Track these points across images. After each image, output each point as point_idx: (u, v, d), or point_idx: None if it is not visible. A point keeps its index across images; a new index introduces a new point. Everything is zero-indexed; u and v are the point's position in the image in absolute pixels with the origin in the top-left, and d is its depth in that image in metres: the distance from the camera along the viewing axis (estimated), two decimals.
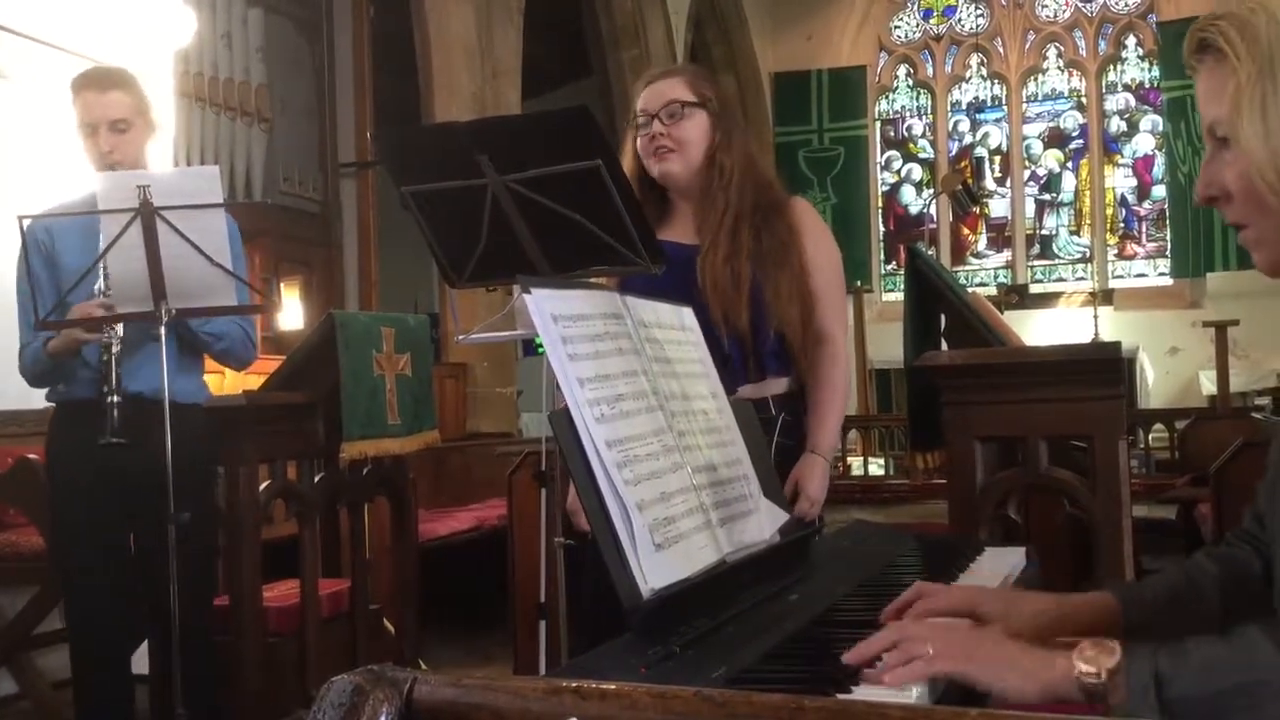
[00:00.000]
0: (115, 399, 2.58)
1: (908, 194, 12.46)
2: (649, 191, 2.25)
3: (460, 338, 2.47)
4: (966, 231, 12.28)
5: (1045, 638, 1.15)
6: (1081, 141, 11.94)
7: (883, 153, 12.51)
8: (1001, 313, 4.58)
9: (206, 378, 3.06)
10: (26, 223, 2.67)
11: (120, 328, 2.65)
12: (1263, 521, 1.22)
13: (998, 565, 1.60)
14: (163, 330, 2.59)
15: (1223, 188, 1.11)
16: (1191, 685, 0.96)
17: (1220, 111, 1.08)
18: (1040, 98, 12.14)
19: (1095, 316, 10.16)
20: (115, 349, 2.63)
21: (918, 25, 12.49)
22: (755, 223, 2.20)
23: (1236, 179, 1.09)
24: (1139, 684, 0.97)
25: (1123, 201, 11.79)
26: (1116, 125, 11.85)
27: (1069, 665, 1.01)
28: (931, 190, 12.04)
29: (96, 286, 2.63)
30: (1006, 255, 12.13)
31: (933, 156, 12.32)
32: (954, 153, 12.31)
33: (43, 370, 2.79)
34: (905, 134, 12.51)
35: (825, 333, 2.25)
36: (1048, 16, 12.07)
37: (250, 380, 3.87)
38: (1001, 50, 12.21)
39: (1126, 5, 11.76)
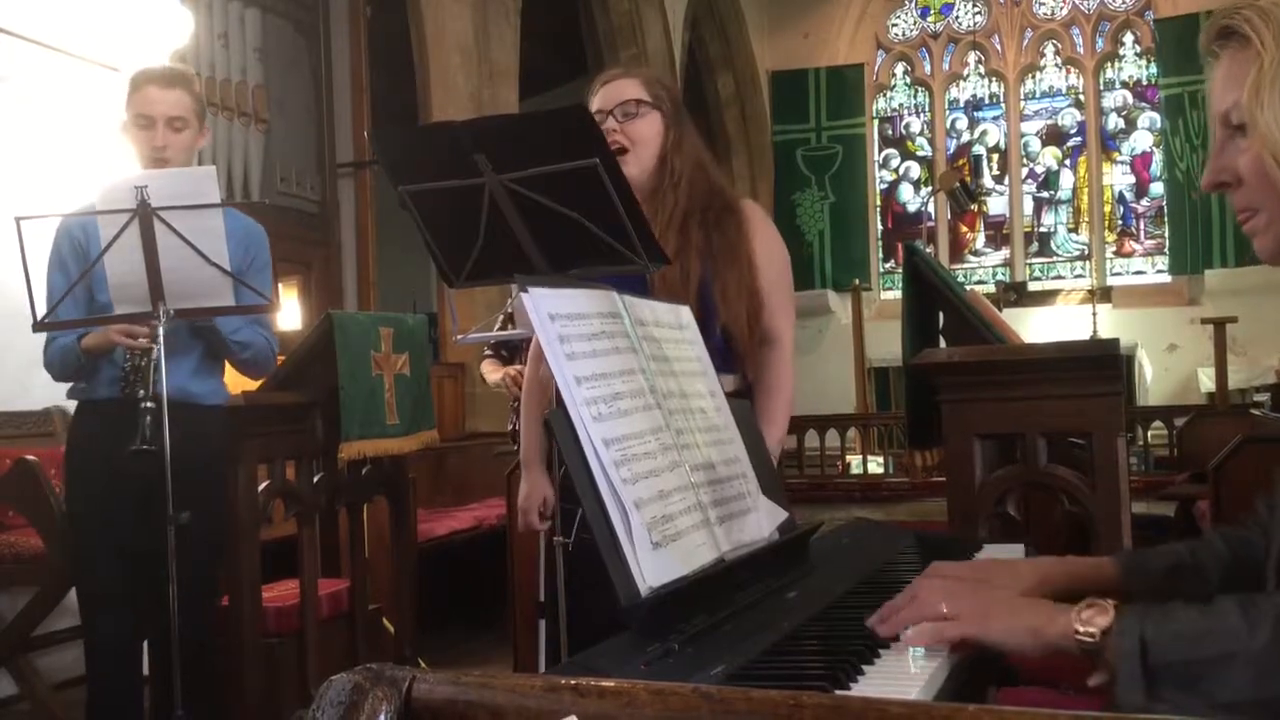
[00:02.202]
0: (149, 404, 2.57)
1: (906, 192, 12.47)
2: None
3: (459, 337, 2.46)
4: (965, 229, 12.28)
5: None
6: (1079, 139, 11.95)
7: (881, 151, 12.52)
8: (1000, 310, 4.58)
9: None
10: (38, 223, 2.67)
11: (161, 336, 2.64)
12: (1273, 508, 1.24)
13: None
14: (161, 332, 2.59)
15: (1234, 173, 1.12)
16: (1172, 652, 1.02)
17: (1238, 97, 1.09)
18: (1038, 95, 12.15)
19: (1094, 314, 10.17)
20: (155, 354, 2.62)
21: (915, 23, 12.49)
22: (705, 221, 2.22)
23: (1250, 164, 1.10)
24: (1127, 647, 1.03)
25: (1121, 199, 11.80)
26: (1114, 122, 11.85)
27: (1068, 623, 1.09)
28: (930, 188, 12.05)
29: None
30: (1005, 253, 12.14)
31: (931, 154, 12.33)
32: (952, 150, 12.32)
33: (73, 366, 2.79)
34: (903, 132, 12.52)
35: (773, 332, 2.28)
36: (1045, 14, 12.08)
37: (249, 381, 3.87)
38: (999, 48, 12.22)
39: (1124, 2, 11.77)
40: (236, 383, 3.97)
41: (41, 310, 2.66)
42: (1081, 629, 1.07)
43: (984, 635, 1.13)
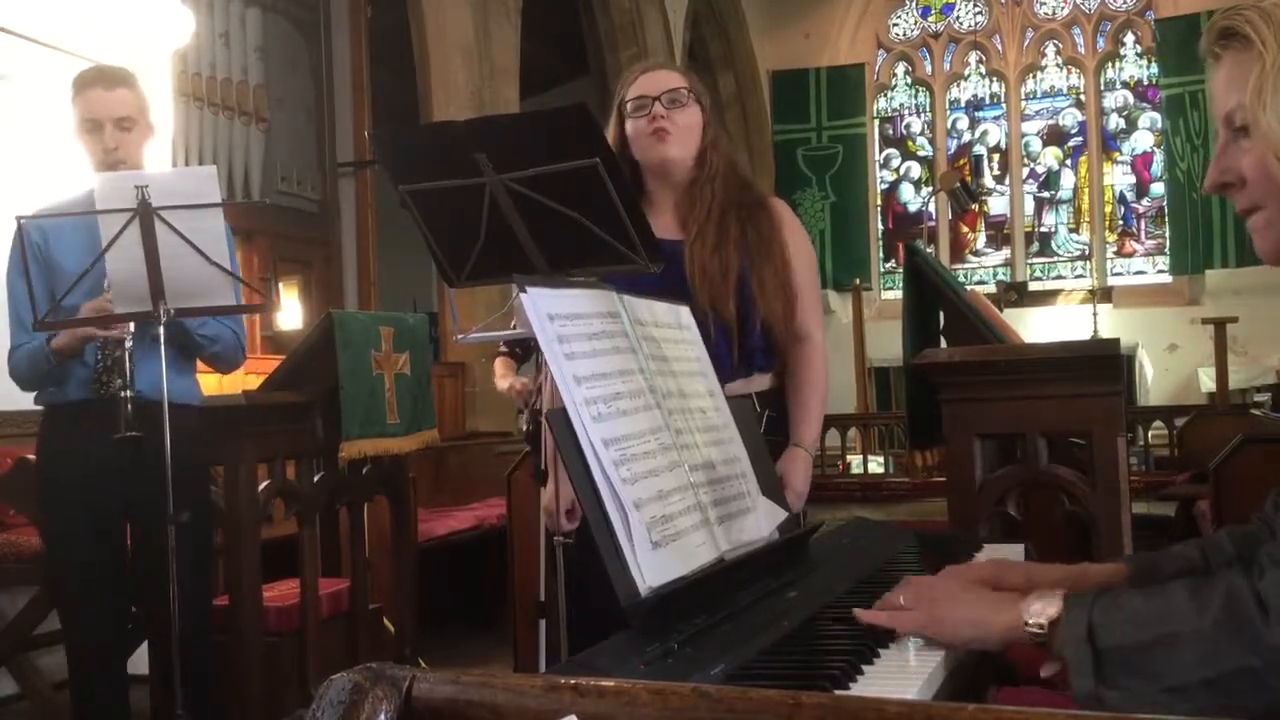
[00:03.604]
0: (128, 393, 2.58)
1: (906, 192, 12.46)
2: None
3: (459, 337, 2.46)
4: (965, 229, 12.28)
5: None
6: (1080, 139, 11.94)
7: (881, 151, 12.50)
8: (1000, 310, 4.58)
9: (203, 378, 3.06)
10: (22, 223, 2.66)
11: (132, 325, 2.64)
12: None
13: None
14: (161, 330, 2.59)
15: (1237, 174, 1.13)
16: (1120, 636, 1.03)
17: (1240, 98, 1.10)
18: (1039, 95, 12.14)
19: (1094, 314, 10.16)
20: (129, 344, 2.63)
21: (916, 23, 12.48)
22: (740, 216, 2.25)
23: (1253, 165, 1.11)
24: (1075, 634, 1.05)
25: (1121, 199, 11.79)
26: (1115, 122, 11.84)
27: (1017, 616, 1.10)
28: (930, 188, 12.04)
29: (106, 283, 2.62)
30: (1005, 253, 12.13)
31: (931, 154, 12.32)
32: (953, 150, 12.31)
33: (43, 370, 2.77)
34: (904, 132, 12.51)
35: (805, 330, 2.30)
36: (1046, 14, 12.07)
37: (249, 380, 3.87)
38: (1000, 48, 12.21)
39: (1125, 2, 11.76)
40: (238, 382, 3.98)
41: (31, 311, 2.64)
42: (1031, 621, 1.09)
43: (932, 629, 1.15)
